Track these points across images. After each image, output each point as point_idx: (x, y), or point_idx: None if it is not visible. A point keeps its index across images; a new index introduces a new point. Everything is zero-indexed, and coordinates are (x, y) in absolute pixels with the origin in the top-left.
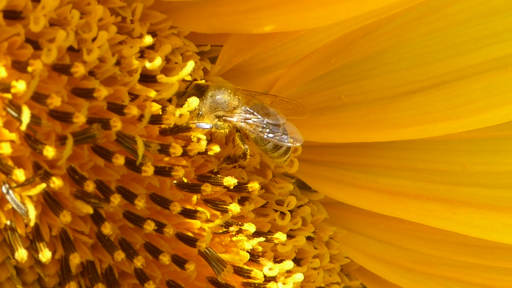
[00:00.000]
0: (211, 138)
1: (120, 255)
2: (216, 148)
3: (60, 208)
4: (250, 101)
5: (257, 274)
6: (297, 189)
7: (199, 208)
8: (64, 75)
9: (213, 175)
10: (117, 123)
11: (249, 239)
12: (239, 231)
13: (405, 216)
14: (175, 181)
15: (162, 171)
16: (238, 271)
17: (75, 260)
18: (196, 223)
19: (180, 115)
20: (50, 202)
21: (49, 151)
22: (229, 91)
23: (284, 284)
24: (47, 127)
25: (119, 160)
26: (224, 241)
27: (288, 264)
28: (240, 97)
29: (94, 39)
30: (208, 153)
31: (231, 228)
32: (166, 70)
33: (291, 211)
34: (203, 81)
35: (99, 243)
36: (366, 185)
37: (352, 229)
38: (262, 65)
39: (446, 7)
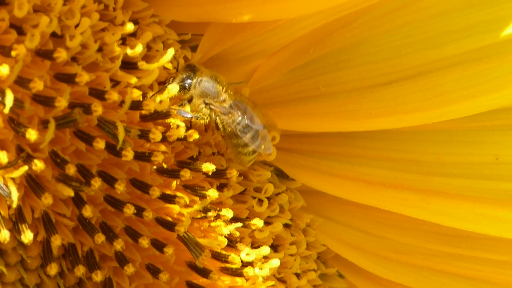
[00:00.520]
0: (191, 125)
1: (100, 238)
2: (195, 135)
3: (42, 191)
4: (236, 98)
5: (235, 259)
6: (275, 177)
7: (178, 194)
8: (47, 60)
9: (192, 161)
10: (98, 108)
11: (227, 224)
12: (217, 217)
13: (380, 205)
14: (154, 167)
15: (142, 156)
16: (216, 256)
17: (56, 242)
18: (175, 208)
19: (160, 101)
20: (32, 185)
21: (32, 134)
22: (223, 83)
23: (261, 269)
24: (30, 110)
25: (100, 144)
26: (202, 226)
27: (265, 250)
28: (229, 92)
29: (76, 26)
30: (188, 139)
31: (210, 214)
32: (147, 57)
33: (268, 198)
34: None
35: (80, 226)
36: (342, 174)
37: (328, 217)
38: (242, 55)
39: (421, 0)
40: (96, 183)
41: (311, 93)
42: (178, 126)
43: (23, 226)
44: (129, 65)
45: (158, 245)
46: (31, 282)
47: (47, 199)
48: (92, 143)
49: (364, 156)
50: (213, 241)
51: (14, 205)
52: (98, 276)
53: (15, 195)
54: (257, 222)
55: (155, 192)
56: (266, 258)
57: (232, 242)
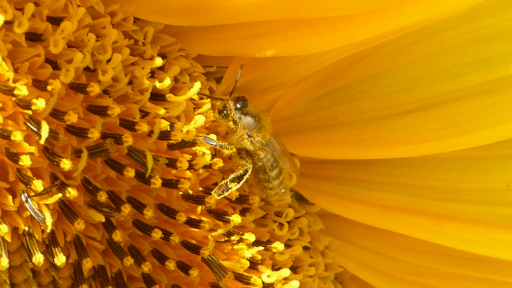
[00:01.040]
0: (215, 153)
1: (129, 261)
2: (219, 163)
3: (75, 216)
4: (271, 136)
5: (256, 281)
6: (295, 201)
7: (203, 218)
8: (81, 93)
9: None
10: (128, 139)
11: (249, 247)
12: (240, 240)
13: (396, 229)
14: (181, 193)
15: (169, 183)
16: (239, 277)
17: (87, 264)
18: (200, 232)
19: (187, 132)
20: (65, 210)
21: (66, 164)
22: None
23: None
24: (64, 141)
25: (130, 172)
26: (226, 249)
27: (285, 272)
28: (268, 130)
29: (108, 61)
30: (213, 167)
31: (233, 237)
32: (174, 89)
33: (289, 222)
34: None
35: (110, 249)
36: (360, 199)
37: (346, 240)
38: (264, 86)
39: (435, 35)
40: (126, 209)
41: (330, 122)
42: (204, 154)
43: (56, 249)
44: (157, 97)
45: (184, 267)
46: None
47: (79, 224)
48: (123, 171)
49: (381, 182)
50: (235, 263)
51: (48, 230)
52: None
53: (49, 220)
54: (278, 245)
55: (182, 217)
56: (286, 279)
57: (253, 264)
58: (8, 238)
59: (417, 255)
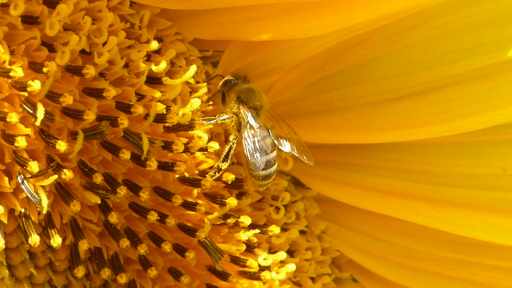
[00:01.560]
0: (212, 136)
1: (125, 243)
2: (215, 146)
3: (71, 198)
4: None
5: (252, 264)
6: (291, 185)
7: (199, 201)
8: (76, 76)
9: None
10: (124, 121)
11: (245, 230)
12: (236, 223)
13: (392, 213)
14: (177, 176)
15: (165, 166)
16: (235, 260)
17: (83, 246)
18: (196, 215)
19: (183, 115)
20: (61, 192)
21: (61, 145)
22: (262, 100)
23: (278, 273)
24: (60, 123)
25: (126, 155)
26: (222, 232)
27: (282, 255)
28: (265, 114)
29: (104, 43)
30: (208, 150)
31: (229, 220)
32: (170, 73)
33: (285, 206)
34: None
35: (106, 231)
36: (356, 183)
37: (342, 224)
38: (261, 70)
39: (432, 20)
40: (122, 191)
41: (327, 107)
42: (200, 137)
43: (52, 231)
44: (153, 80)
45: (180, 250)
46: (59, 284)
47: (75, 206)
48: (118, 153)
49: (377, 167)
50: (232, 246)
51: (44, 211)
52: (122, 279)
53: (45, 202)
54: (274, 229)
55: (177, 200)
56: (282, 262)
57: (250, 248)
58: (4, 220)
59: (413, 239)
